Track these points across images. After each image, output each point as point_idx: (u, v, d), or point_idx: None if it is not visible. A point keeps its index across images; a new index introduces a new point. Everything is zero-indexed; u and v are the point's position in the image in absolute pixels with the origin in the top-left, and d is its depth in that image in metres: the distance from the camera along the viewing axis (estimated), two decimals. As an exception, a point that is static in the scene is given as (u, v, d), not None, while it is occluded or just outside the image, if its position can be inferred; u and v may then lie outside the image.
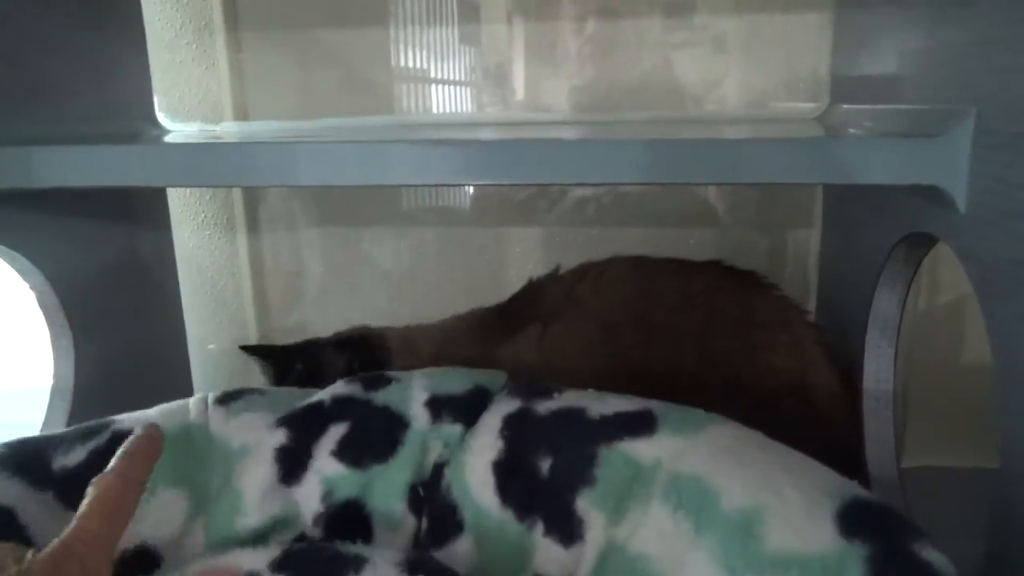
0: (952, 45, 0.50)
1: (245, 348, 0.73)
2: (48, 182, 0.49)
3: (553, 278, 0.68)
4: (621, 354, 0.62)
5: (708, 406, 0.46)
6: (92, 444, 0.47)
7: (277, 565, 0.38)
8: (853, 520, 0.34)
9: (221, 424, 0.50)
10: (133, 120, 0.75)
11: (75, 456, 0.46)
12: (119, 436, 0.47)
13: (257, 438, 0.49)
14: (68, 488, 0.45)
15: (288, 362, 0.71)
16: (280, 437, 0.49)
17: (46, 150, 0.49)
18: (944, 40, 0.51)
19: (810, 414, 0.59)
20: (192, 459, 0.48)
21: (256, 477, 0.47)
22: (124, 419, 0.49)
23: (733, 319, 0.62)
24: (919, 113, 0.55)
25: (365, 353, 0.69)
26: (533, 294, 0.69)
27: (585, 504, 0.43)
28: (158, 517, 0.46)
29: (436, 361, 0.59)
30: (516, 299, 0.70)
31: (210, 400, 0.51)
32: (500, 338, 0.67)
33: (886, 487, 0.59)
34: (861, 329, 0.63)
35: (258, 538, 0.47)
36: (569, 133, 0.66)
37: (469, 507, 0.46)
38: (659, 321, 0.62)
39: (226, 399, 0.52)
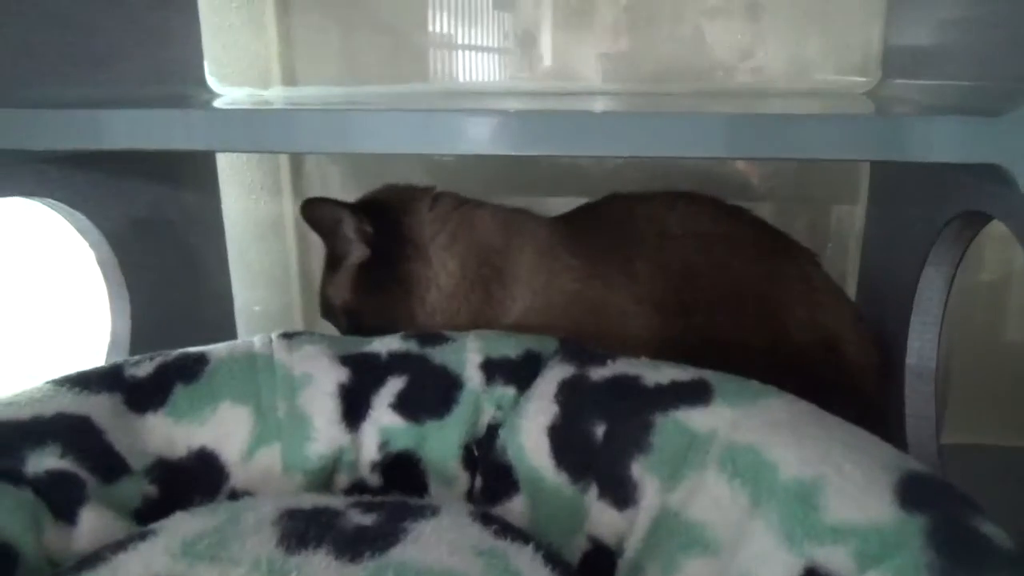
0: (1017, 17, 0.49)
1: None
2: (116, 144, 0.50)
3: (639, 198, 0.64)
4: (701, 302, 0.60)
5: (751, 365, 0.47)
6: (160, 360, 0.51)
7: (353, 504, 0.40)
8: (912, 493, 0.35)
9: (284, 354, 0.52)
10: (184, 84, 0.76)
11: (144, 368, 0.50)
12: (184, 355, 0.51)
13: (320, 368, 0.51)
14: (136, 394, 0.49)
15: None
16: (343, 375, 0.51)
17: (115, 113, 0.50)
18: (1008, 11, 0.50)
19: (839, 367, 0.61)
20: (255, 380, 0.51)
21: (324, 406, 0.50)
22: (191, 349, 0.52)
23: (779, 274, 0.64)
24: (978, 89, 0.54)
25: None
26: (621, 215, 0.64)
27: (640, 470, 0.44)
28: (221, 428, 0.49)
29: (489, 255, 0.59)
30: (598, 214, 0.64)
31: (274, 336, 0.54)
32: (582, 257, 0.61)
33: (925, 463, 0.60)
34: (904, 307, 0.63)
35: (326, 468, 0.49)
36: (610, 104, 0.66)
37: (524, 468, 0.47)
38: (736, 270, 0.62)
39: (289, 335, 0.54)
